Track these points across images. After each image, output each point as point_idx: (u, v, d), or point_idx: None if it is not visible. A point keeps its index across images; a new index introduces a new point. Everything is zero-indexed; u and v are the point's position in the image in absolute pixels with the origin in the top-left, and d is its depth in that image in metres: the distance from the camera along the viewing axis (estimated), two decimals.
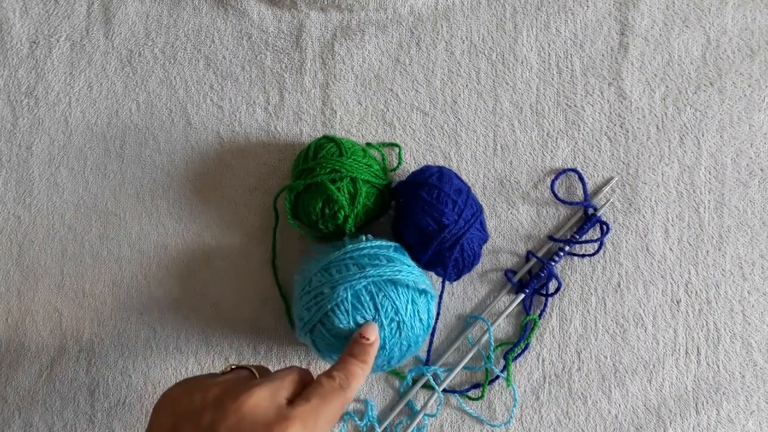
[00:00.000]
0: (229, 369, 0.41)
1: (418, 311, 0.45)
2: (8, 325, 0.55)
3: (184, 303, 0.55)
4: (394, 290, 0.45)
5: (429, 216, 0.48)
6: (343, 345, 0.44)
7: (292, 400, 0.37)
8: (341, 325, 0.44)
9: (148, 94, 0.57)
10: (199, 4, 0.58)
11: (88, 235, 0.56)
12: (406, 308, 0.45)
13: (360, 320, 0.44)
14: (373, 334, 0.43)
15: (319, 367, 0.54)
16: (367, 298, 0.44)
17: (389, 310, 0.44)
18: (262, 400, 0.36)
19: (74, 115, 0.57)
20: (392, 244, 0.48)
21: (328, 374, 0.40)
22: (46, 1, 0.59)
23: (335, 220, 0.49)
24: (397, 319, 0.44)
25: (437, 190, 0.49)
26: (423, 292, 0.46)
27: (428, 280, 0.48)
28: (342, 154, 0.50)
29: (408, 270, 0.46)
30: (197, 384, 0.39)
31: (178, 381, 0.41)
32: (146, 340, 0.54)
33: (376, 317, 0.44)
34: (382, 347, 0.44)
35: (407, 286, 0.45)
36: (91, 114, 0.57)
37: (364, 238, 0.49)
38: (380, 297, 0.44)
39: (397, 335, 0.45)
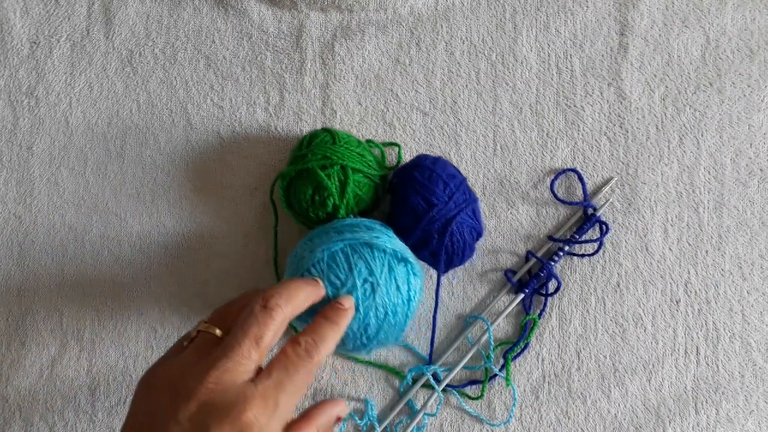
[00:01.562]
0: (195, 333, 0.40)
1: (395, 277, 0.45)
2: (9, 324, 0.55)
3: (185, 303, 0.55)
4: (370, 253, 0.45)
5: (420, 195, 0.49)
6: (320, 309, 0.44)
7: (259, 371, 0.36)
8: None
9: (148, 94, 0.57)
10: (199, 4, 0.58)
11: (89, 235, 0.56)
12: (381, 271, 0.44)
13: (334, 279, 0.44)
14: (348, 302, 0.42)
15: (317, 366, 0.54)
16: (342, 259, 0.44)
17: (363, 270, 0.44)
18: (219, 382, 0.35)
19: (75, 116, 0.57)
20: (377, 221, 0.49)
21: (294, 340, 0.38)
22: (47, 2, 0.59)
23: (325, 208, 0.49)
24: (372, 280, 0.44)
25: (430, 171, 0.50)
26: (402, 260, 0.46)
27: (412, 254, 0.47)
28: (335, 142, 0.50)
29: (387, 238, 0.46)
30: (164, 366, 0.38)
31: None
32: (147, 339, 0.54)
33: (349, 276, 0.44)
34: (356, 309, 0.44)
35: (384, 251, 0.45)
36: (92, 114, 0.57)
37: (351, 216, 0.49)
38: (355, 258, 0.44)
39: (372, 298, 0.44)
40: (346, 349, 0.46)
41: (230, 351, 0.36)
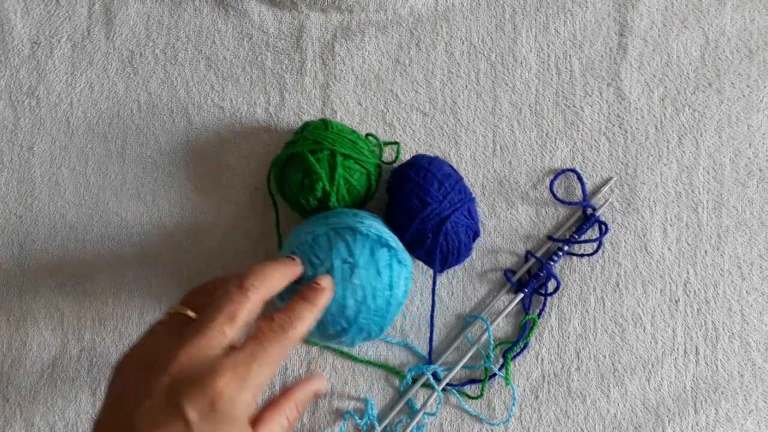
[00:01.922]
0: (167, 315, 0.40)
1: (376, 261, 0.45)
2: (9, 324, 0.55)
3: None
4: (352, 235, 0.45)
5: (414, 195, 0.49)
6: (296, 289, 0.44)
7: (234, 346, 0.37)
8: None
9: (149, 94, 0.57)
10: (200, 5, 0.58)
11: (90, 234, 0.56)
12: (361, 252, 0.44)
13: (314, 259, 0.44)
14: (326, 282, 0.42)
15: (318, 366, 0.54)
16: (324, 240, 0.45)
17: (342, 250, 0.44)
18: (192, 357, 0.35)
19: (75, 116, 0.57)
20: (368, 213, 0.49)
21: (268, 317, 0.38)
22: (48, 2, 0.59)
23: (315, 193, 0.49)
24: (351, 261, 0.44)
25: (425, 171, 0.50)
26: (385, 246, 0.46)
27: (399, 242, 0.48)
28: (327, 129, 0.50)
29: (371, 224, 0.46)
30: (137, 349, 0.38)
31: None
32: None
33: (328, 256, 0.44)
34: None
35: (367, 235, 0.45)
36: (93, 114, 0.57)
37: (343, 205, 0.50)
38: (336, 239, 0.45)
39: (349, 279, 0.44)
40: (328, 333, 0.45)
41: (203, 327, 0.36)
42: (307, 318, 0.40)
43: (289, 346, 0.38)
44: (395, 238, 0.48)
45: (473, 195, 0.52)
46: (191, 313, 0.40)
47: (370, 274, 0.44)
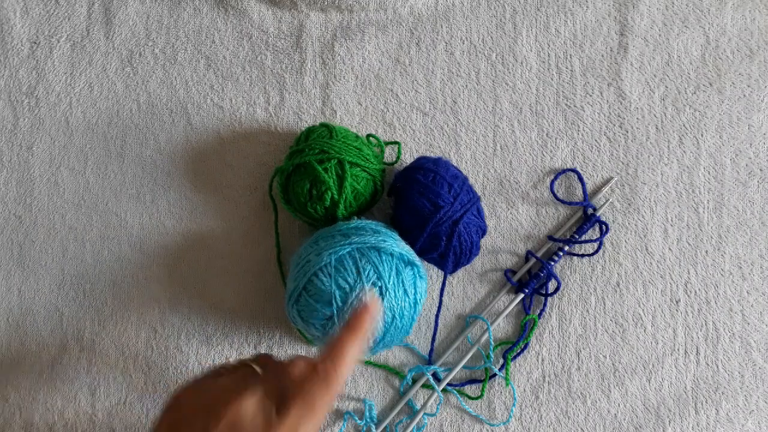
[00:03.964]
0: (237, 363, 0.42)
1: (402, 281, 0.45)
2: (9, 324, 0.55)
3: (185, 303, 0.55)
4: (378, 256, 0.45)
5: (425, 198, 0.49)
6: (325, 312, 0.44)
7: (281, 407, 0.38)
8: (323, 287, 0.44)
9: (148, 94, 0.57)
10: (199, 4, 0.58)
11: (89, 234, 0.56)
12: (389, 275, 0.44)
13: (342, 283, 0.44)
14: (373, 302, 0.40)
15: None
16: (350, 263, 0.44)
17: (371, 274, 0.44)
18: (251, 410, 0.37)
19: (75, 116, 0.57)
20: (381, 224, 0.49)
21: (313, 368, 0.39)
22: (47, 2, 0.59)
23: (323, 202, 0.49)
24: (380, 284, 0.44)
25: (433, 174, 0.50)
26: (409, 264, 0.46)
27: (417, 258, 0.48)
28: (332, 137, 0.50)
29: (394, 242, 0.46)
30: (200, 387, 0.40)
31: (183, 381, 0.42)
32: (147, 339, 0.54)
33: (358, 280, 0.44)
34: None
35: (391, 254, 0.45)
36: (92, 114, 0.57)
37: (355, 218, 0.49)
38: (363, 262, 0.44)
39: (380, 302, 0.44)
40: None
41: (265, 382, 0.39)
42: (354, 355, 0.39)
43: (333, 395, 0.38)
44: (412, 251, 0.48)
45: (477, 193, 0.52)
46: (258, 369, 0.40)
47: (398, 294, 0.45)
